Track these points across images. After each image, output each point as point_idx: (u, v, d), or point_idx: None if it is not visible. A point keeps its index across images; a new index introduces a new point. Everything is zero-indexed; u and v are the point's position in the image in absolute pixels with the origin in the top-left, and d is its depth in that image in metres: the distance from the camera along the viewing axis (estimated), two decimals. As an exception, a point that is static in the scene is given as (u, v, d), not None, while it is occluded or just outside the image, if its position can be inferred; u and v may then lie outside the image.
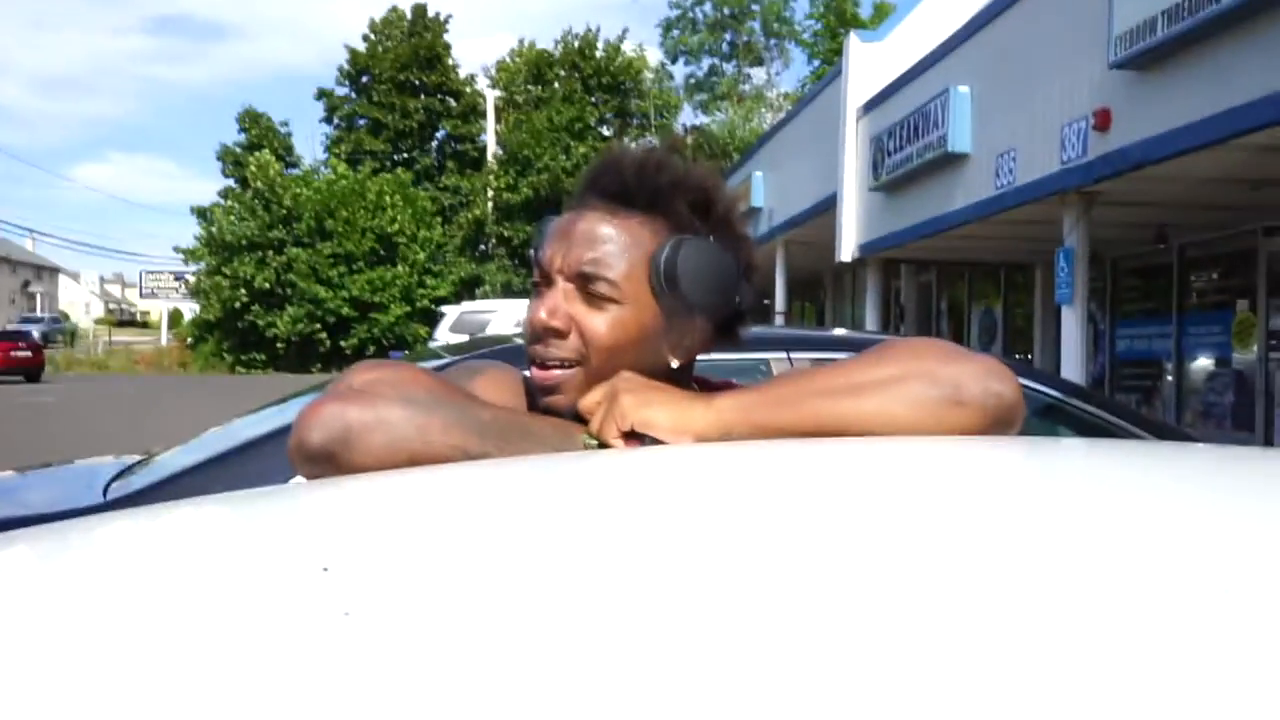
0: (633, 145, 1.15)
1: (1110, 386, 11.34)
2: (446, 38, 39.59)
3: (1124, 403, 8.63)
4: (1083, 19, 7.66)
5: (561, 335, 1.02)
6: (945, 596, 0.45)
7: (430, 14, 39.55)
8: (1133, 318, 11.40)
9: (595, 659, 0.40)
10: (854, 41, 13.15)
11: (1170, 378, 10.54)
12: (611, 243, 1.02)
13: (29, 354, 26.37)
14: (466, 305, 16.22)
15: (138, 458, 3.31)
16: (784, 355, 2.80)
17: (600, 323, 1.01)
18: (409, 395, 0.95)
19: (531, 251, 1.11)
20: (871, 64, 12.70)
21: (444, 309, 17.39)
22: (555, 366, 1.03)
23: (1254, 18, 5.97)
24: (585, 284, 1.01)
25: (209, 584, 0.53)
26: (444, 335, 13.63)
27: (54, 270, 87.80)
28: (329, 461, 0.91)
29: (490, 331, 11.73)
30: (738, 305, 1.07)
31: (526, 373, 1.09)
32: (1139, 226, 9.73)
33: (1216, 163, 6.89)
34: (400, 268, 32.58)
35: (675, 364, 1.06)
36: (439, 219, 35.57)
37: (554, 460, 0.91)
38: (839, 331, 4.15)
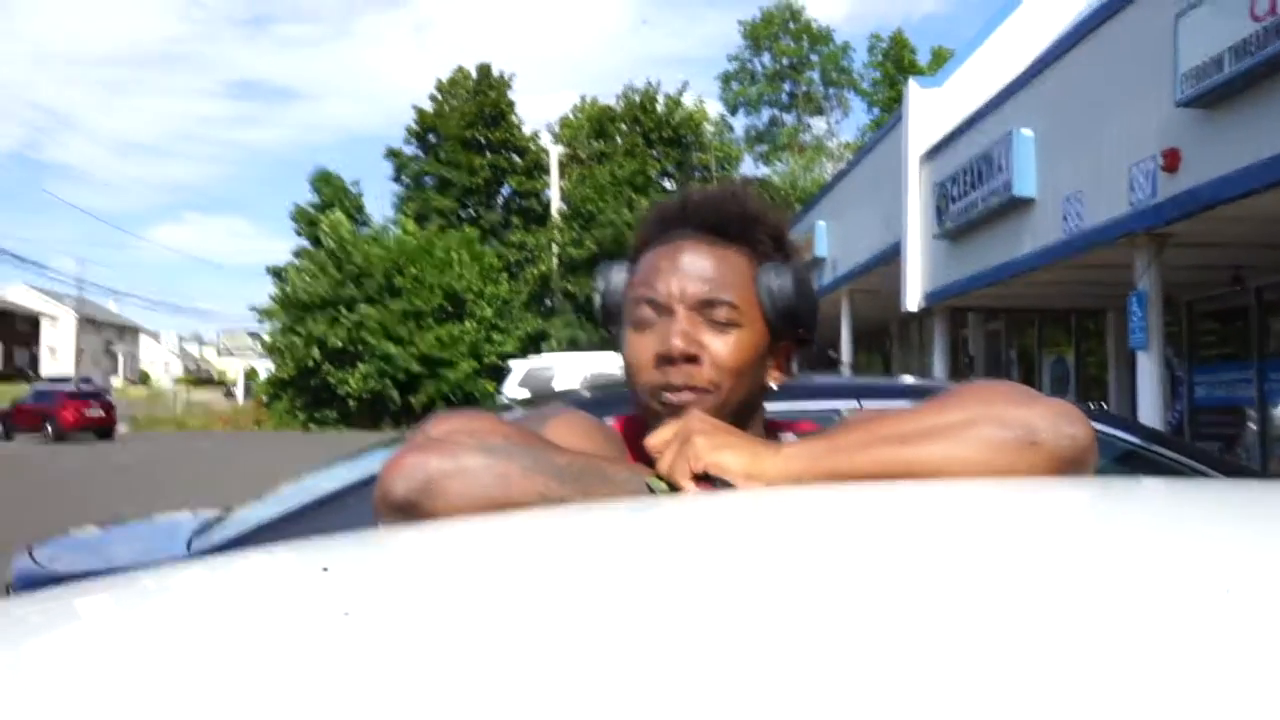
0: (708, 184, 1.19)
1: (1190, 434, 11.03)
2: (510, 95, 40.40)
3: (1206, 449, 8.39)
4: (1147, 58, 7.58)
5: (696, 361, 1.06)
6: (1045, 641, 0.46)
7: (494, 73, 40.44)
8: (1211, 363, 11.10)
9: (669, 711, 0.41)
10: (913, 88, 13.14)
11: (1253, 425, 10.22)
12: (723, 270, 1.08)
13: (101, 413, 27.68)
14: (533, 360, 16.34)
15: (216, 512, 3.39)
16: (856, 404, 2.78)
17: (727, 346, 1.06)
18: (487, 443, 0.96)
19: (597, 295, 1.15)
20: (932, 110, 12.67)
21: (511, 364, 17.55)
22: (686, 392, 1.05)
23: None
24: (707, 310, 1.06)
25: (284, 623, 0.55)
26: (511, 390, 13.74)
27: (135, 330, 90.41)
28: (413, 511, 0.93)
29: (556, 386, 11.81)
30: (816, 329, 1.14)
31: (608, 420, 1.12)
32: (1214, 268, 9.51)
33: (1291, 201, 6.74)
34: (468, 324, 32.97)
35: (774, 386, 1.13)
36: (505, 275, 36.02)
37: (630, 505, 0.92)
38: (908, 379, 4.11)
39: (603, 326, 1.17)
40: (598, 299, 1.15)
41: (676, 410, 1.04)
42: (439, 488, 0.93)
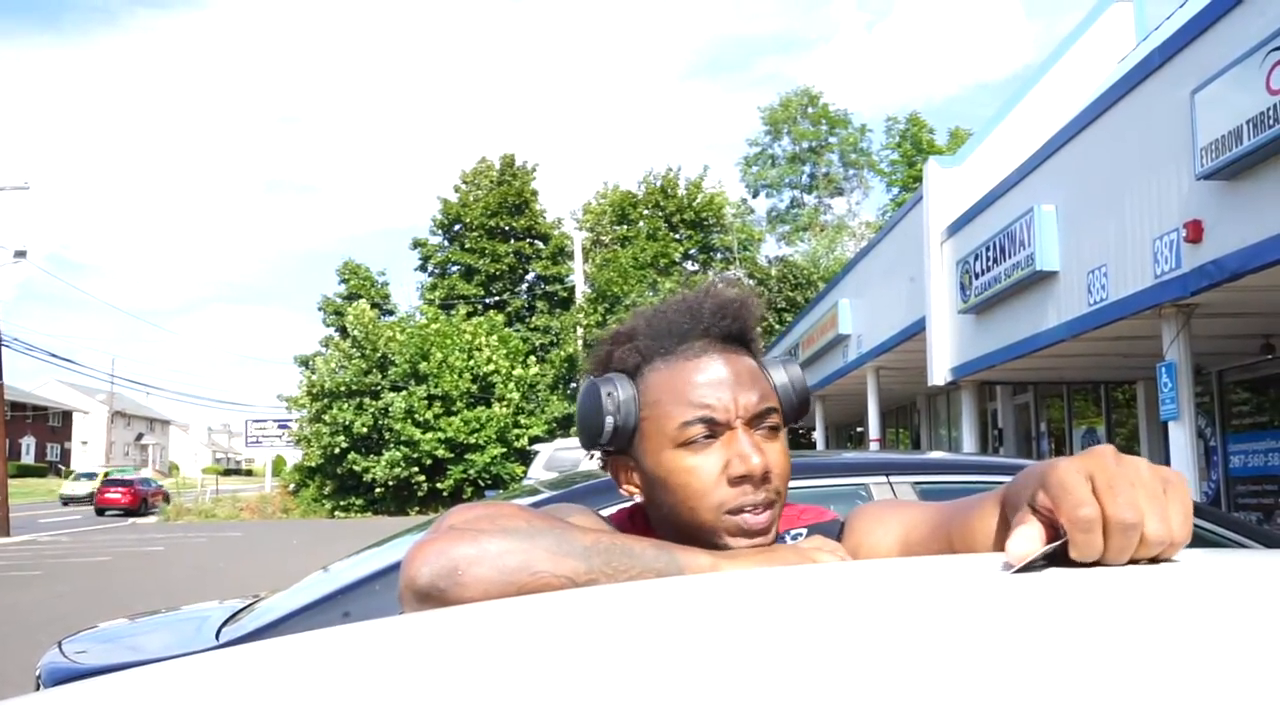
0: (714, 285, 1.17)
1: (1227, 504, 10.83)
2: (533, 184, 41.07)
3: (1243, 519, 8.21)
4: (1165, 132, 7.64)
5: (770, 478, 1.05)
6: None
7: (517, 163, 41.18)
8: (1245, 432, 10.96)
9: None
10: (933, 167, 13.27)
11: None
12: (755, 377, 1.09)
13: (119, 497, 35.12)
14: (559, 443, 16.34)
15: (245, 602, 3.38)
16: (884, 480, 2.76)
17: (781, 453, 1.07)
18: (510, 528, 0.96)
19: (609, 418, 1.08)
20: (952, 189, 12.78)
21: (537, 448, 17.53)
22: (764, 509, 1.05)
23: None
24: (759, 422, 1.06)
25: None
26: (537, 473, 13.72)
27: (165, 422, 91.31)
28: (439, 598, 0.92)
29: (583, 468, 11.77)
30: None
31: (604, 513, 1.15)
32: (1243, 338, 9.44)
33: (1318, 269, 6.70)
34: (496, 408, 33.01)
35: None
36: (532, 358, 36.19)
37: (664, 585, 0.91)
38: (936, 454, 4.07)
39: (602, 447, 1.12)
40: (609, 420, 1.09)
41: (753, 534, 1.04)
42: (464, 574, 0.92)
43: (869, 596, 0.76)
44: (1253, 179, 6.76)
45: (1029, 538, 0.75)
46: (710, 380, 1.06)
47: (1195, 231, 7.27)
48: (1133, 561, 0.73)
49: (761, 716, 0.47)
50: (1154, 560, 0.74)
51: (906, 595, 0.75)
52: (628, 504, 1.20)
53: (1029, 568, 0.73)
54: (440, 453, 32.18)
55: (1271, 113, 6.29)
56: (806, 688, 0.50)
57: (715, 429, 1.05)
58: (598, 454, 1.17)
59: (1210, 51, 7.12)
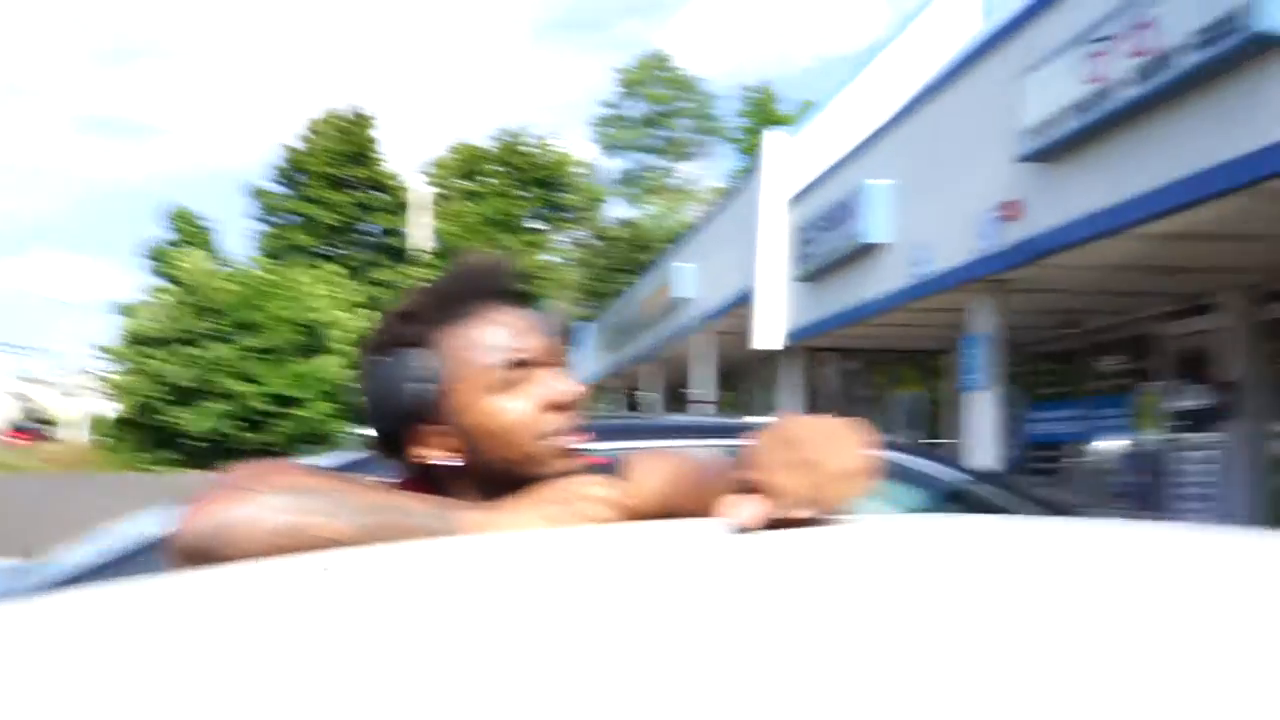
0: (468, 259, 1.25)
1: (1025, 469, 11.50)
2: (378, 134, 40.06)
3: (1023, 483, 8.72)
4: (994, 114, 7.94)
5: (577, 404, 1.16)
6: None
7: (363, 113, 40.10)
8: (1046, 401, 11.64)
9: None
10: (769, 137, 13.59)
11: (1082, 459, 10.75)
12: (543, 322, 1.18)
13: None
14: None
15: (16, 562, 3.17)
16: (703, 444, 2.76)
17: (577, 384, 1.16)
18: (282, 486, 0.98)
19: (426, 385, 1.10)
20: (789, 159, 13.07)
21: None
22: (577, 431, 1.14)
23: (1148, 113, 6.23)
24: (556, 359, 1.16)
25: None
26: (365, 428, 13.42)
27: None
28: (205, 558, 0.93)
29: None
30: None
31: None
32: (1051, 313, 10.00)
33: (1119, 251, 7.12)
34: (328, 359, 32.08)
35: None
36: (371, 310, 35.30)
37: (432, 546, 0.91)
38: (751, 419, 4.17)
39: (414, 419, 1.12)
40: (426, 387, 1.10)
41: (569, 455, 1.11)
42: (229, 533, 0.94)
43: (591, 559, 0.81)
44: (1067, 163, 7.11)
45: (739, 503, 0.83)
46: (509, 328, 1.13)
47: (1013, 210, 7.62)
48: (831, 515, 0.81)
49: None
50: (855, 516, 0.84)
51: (633, 556, 0.81)
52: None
53: (750, 529, 0.80)
54: (263, 406, 31.12)
55: (1090, 100, 6.60)
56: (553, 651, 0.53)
57: (524, 369, 1.12)
58: (375, 448, 1.20)
59: (1041, 38, 7.40)
